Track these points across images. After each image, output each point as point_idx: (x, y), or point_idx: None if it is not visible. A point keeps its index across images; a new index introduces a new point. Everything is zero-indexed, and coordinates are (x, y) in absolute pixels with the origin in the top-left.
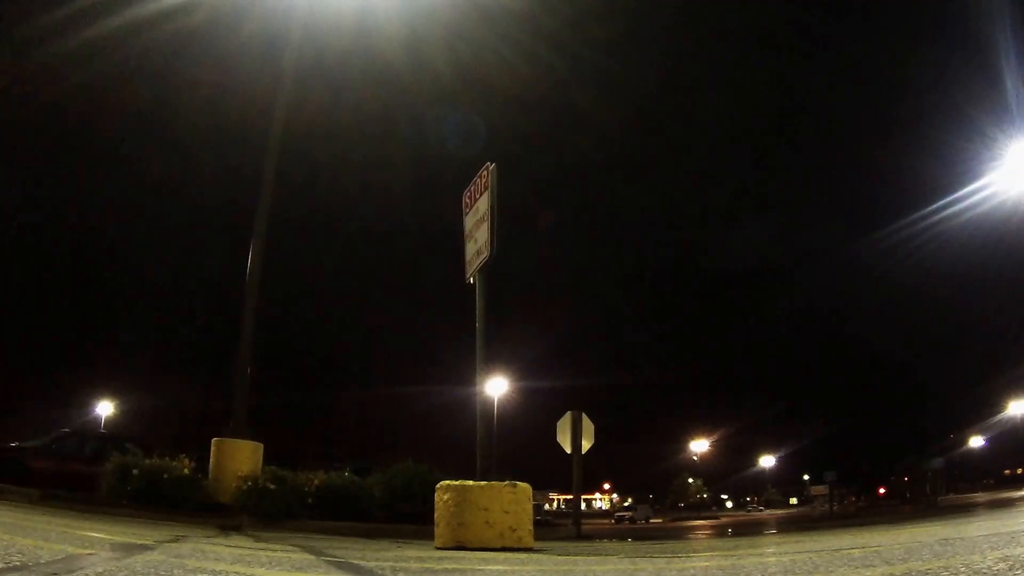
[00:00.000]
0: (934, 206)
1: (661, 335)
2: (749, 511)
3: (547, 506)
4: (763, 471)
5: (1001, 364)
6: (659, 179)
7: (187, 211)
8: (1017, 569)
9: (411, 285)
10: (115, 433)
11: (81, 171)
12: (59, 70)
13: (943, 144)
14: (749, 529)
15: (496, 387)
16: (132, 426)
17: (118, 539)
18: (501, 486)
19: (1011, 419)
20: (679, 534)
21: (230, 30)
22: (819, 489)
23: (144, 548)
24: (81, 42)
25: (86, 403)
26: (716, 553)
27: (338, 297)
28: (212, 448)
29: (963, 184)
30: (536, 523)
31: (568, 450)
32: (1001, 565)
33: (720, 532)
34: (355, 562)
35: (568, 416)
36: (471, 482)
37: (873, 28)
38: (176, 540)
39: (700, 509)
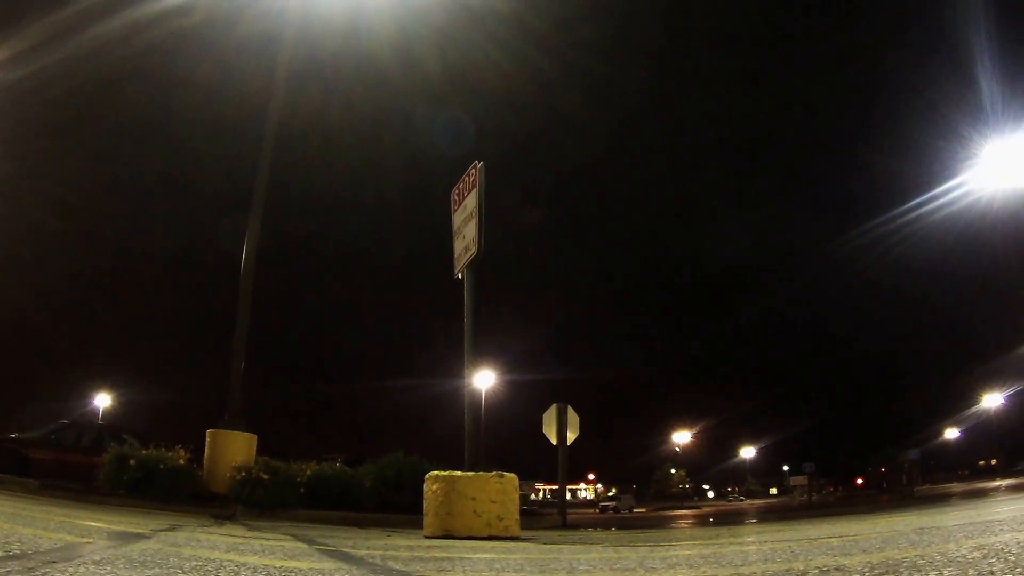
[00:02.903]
0: (910, 204)
1: (645, 330)
2: (730, 501)
3: (533, 496)
4: (744, 462)
5: (975, 358)
6: (644, 179)
7: (184, 206)
8: (991, 557)
9: (401, 281)
10: (112, 424)
11: (82, 166)
12: (64, 67)
13: (919, 144)
14: (730, 518)
15: (484, 380)
16: (129, 418)
17: (115, 528)
18: (488, 476)
19: (985, 411)
20: (662, 523)
21: (226, 31)
22: (798, 479)
23: (140, 537)
24: (85, 40)
25: (84, 395)
26: (698, 542)
27: (331, 292)
28: (207, 439)
29: (938, 183)
30: (523, 512)
31: (554, 441)
32: (976, 554)
33: (702, 521)
34: (346, 550)
35: (554, 408)
36: (459, 472)
37: (851, 31)
38: (172, 529)
39: (682, 499)
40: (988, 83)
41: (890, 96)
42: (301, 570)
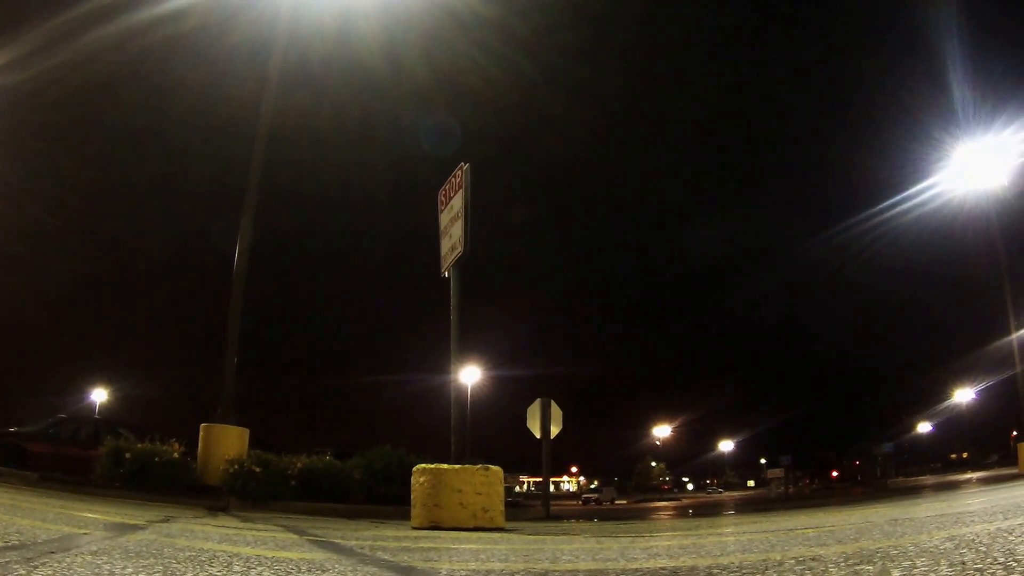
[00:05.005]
0: (884, 204)
1: (627, 327)
2: (709, 493)
3: (518, 488)
4: (722, 455)
5: (947, 354)
6: (625, 179)
7: (178, 206)
8: (963, 548)
9: (388, 278)
10: (109, 418)
11: (79, 167)
12: (61, 71)
13: (892, 145)
14: (709, 510)
15: (470, 375)
16: (125, 412)
17: (111, 519)
18: (474, 469)
19: (956, 406)
20: (643, 515)
21: (219, 36)
22: (775, 472)
23: (136, 528)
24: (82, 45)
25: (81, 390)
26: (678, 533)
27: (321, 289)
28: (201, 433)
29: (911, 183)
30: (507, 504)
31: (538, 435)
32: (948, 544)
33: (682, 513)
34: (336, 541)
35: (538, 403)
36: (446, 465)
37: (827, 36)
38: (166, 520)
39: (662, 491)
40: (960, 87)
41: (865, 99)
42: (292, 560)
